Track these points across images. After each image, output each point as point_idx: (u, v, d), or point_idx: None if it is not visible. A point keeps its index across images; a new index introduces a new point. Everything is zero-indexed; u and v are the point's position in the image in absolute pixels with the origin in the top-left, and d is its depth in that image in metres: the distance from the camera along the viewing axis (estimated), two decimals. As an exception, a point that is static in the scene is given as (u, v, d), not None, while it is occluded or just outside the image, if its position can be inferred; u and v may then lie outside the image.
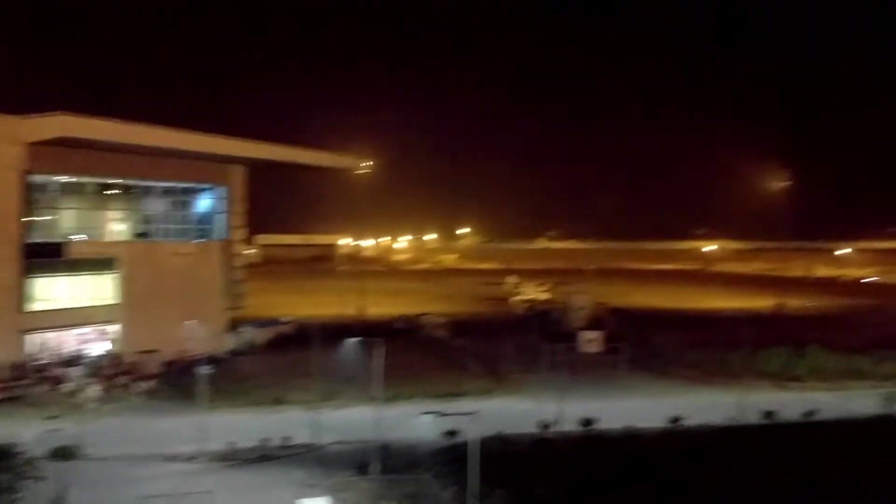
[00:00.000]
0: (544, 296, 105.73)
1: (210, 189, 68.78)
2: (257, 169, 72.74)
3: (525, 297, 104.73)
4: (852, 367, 59.39)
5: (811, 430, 44.67)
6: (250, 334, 69.75)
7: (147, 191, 64.76)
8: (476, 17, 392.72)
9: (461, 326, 75.74)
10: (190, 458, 38.95)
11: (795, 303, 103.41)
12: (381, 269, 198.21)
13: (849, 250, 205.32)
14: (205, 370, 41.55)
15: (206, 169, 66.63)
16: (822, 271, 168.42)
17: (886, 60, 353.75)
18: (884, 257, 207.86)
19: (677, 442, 42.21)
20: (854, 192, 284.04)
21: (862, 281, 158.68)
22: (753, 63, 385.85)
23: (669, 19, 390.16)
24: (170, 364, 57.34)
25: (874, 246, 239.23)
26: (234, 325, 70.29)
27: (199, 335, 50.33)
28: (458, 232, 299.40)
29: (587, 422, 43.68)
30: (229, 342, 67.13)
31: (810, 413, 46.23)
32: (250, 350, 67.75)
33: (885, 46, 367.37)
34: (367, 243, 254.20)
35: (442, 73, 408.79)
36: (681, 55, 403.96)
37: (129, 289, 60.46)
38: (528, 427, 43.57)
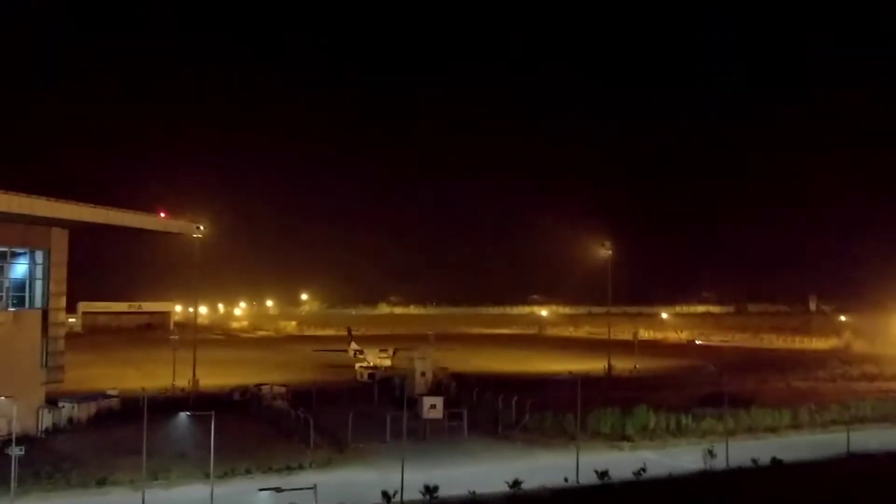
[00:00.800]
0: (386, 362, 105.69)
1: (27, 253, 64.06)
2: (81, 232, 68.75)
3: (367, 364, 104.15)
4: (676, 424, 63.00)
5: (642, 488, 46.80)
6: (70, 410, 64.73)
7: (-46, 255, 59.34)
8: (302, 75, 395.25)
9: (302, 395, 74.21)
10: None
11: (622, 364, 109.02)
12: (217, 336, 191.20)
13: (666, 315, 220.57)
14: (16, 451, 37.95)
15: (22, 231, 62.15)
16: (646, 334, 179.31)
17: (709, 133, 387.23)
18: (699, 320, 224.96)
19: (518, 506, 42.90)
20: (672, 262, 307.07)
21: (696, 342, 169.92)
22: (580, 134, 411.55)
23: (497, 83, 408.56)
24: (-26, 446, 51.91)
25: (690, 310, 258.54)
26: (53, 400, 65.13)
27: (9, 413, 46.11)
28: (300, 298, 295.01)
29: (430, 490, 43.56)
30: (46, 419, 61.98)
31: (640, 472, 48.43)
32: (70, 427, 62.87)
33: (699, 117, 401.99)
34: (203, 310, 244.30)
35: (279, 137, 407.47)
36: (510, 123, 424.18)
37: (-72, 363, 54.61)
38: (370, 498, 42.89)
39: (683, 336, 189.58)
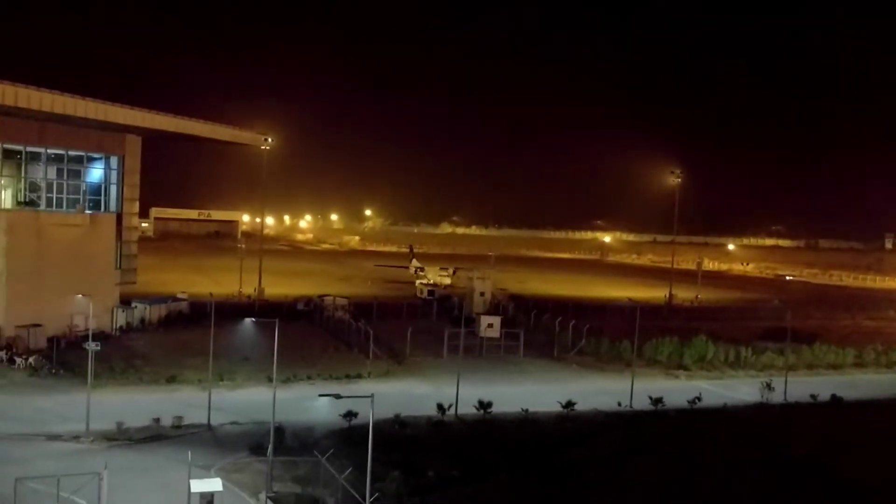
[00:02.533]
0: (446, 280, 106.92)
1: (103, 159, 65.96)
2: (154, 140, 70.26)
3: (427, 281, 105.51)
4: (735, 357, 62.59)
5: (696, 416, 46.94)
6: (143, 311, 67.64)
7: (34, 157, 61.49)
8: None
9: (363, 308, 75.76)
10: (75, 438, 37.54)
11: (685, 294, 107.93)
12: (282, 247, 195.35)
13: (733, 247, 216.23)
14: (93, 346, 40.03)
15: (98, 137, 63.84)
16: (711, 264, 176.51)
17: (784, 60, 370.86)
18: (767, 253, 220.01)
19: (570, 426, 43.60)
20: (742, 192, 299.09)
21: (785, 278, 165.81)
22: (656, 57, 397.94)
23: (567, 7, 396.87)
24: (55, 339, 54.98)
25: (759, 243, 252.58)
26: (126, 301, 68.06)
27: (87, 310, 48.44)
28: (364, 214, 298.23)
29: (483, 405, 44.50)
30: (120, 318, 64.95)
31: (695, 400, 48.49)
32: (142, 327, 65.79)
33: (780, 43, 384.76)
34: (269, 221, 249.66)
35: (351, 54, 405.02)
36: (584, 45, 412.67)
37: (11, 259, 57.41)
38: (425, 410, 44.08)
39: (750, 268, 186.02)
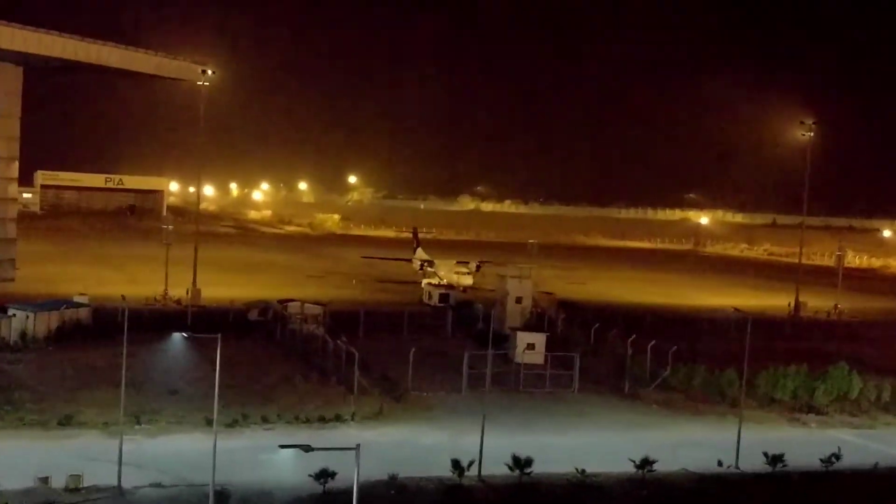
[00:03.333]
0: (466, 280, 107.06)
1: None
2: (41, 73, 70.54)
3: (439, 281, 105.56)
4: (891, 396, 62.17)
5: (832, 483, 46.66)
6: (24, 321, 67.99)
7: None
8: None
9: (344, 320, 75.94)
10: (-75, 505, 37.82)
11: (817, 302, 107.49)
12: (229, 229, 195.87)
13: (889, 233, 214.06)
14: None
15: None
16: (856, 259, 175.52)
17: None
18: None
19: (648, 495, 43.43)
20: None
21: None
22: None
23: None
24: None
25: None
26: (0, 306, 68.37)
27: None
28: (346, 182, 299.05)
29: (521, 463, 44.43)
30: (-9, 332, 65.42)
31: (831, 459, 48.21)
32: (24, 344, 66.13)
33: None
34: (209, 192, 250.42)
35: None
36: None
37: None
38: (435, 468, 44.11)
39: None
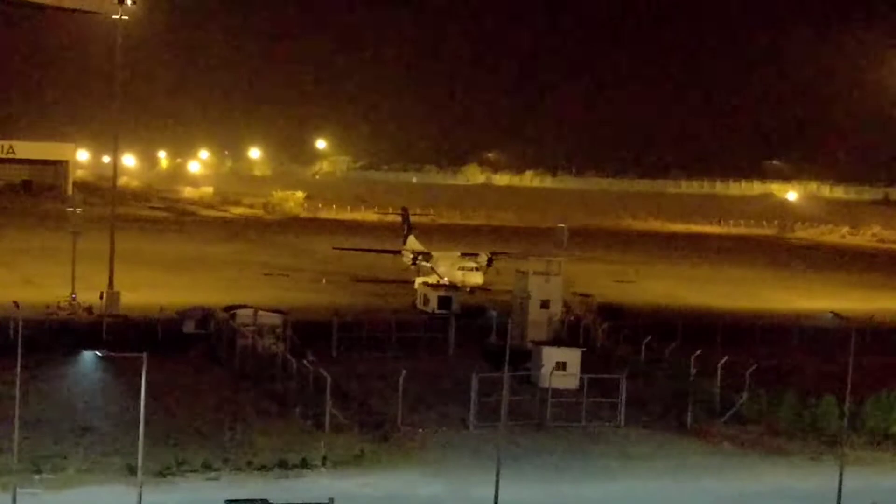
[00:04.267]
0: (475, 278, 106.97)
1: None
2: None
3: (437, 280, 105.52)
4: None
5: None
6: None
7: None
8: None
9: (313, 333, 76.09)
10: None
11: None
12: (157, 212, 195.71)
13: None
14: None
15: None
16: None
17: None
18: None
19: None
20: None
21: None
22: None
23: None
24: None
25: None
26: None
27: None
28: (313, 148, 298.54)
29: (549, 522, 44.50)
30: None
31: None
32: None
33: None
34: (129, 162, 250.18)
35: None
36: None
37: None
38: (434, 531, 44.18)
39: None
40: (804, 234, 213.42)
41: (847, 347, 51.18)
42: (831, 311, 67.15)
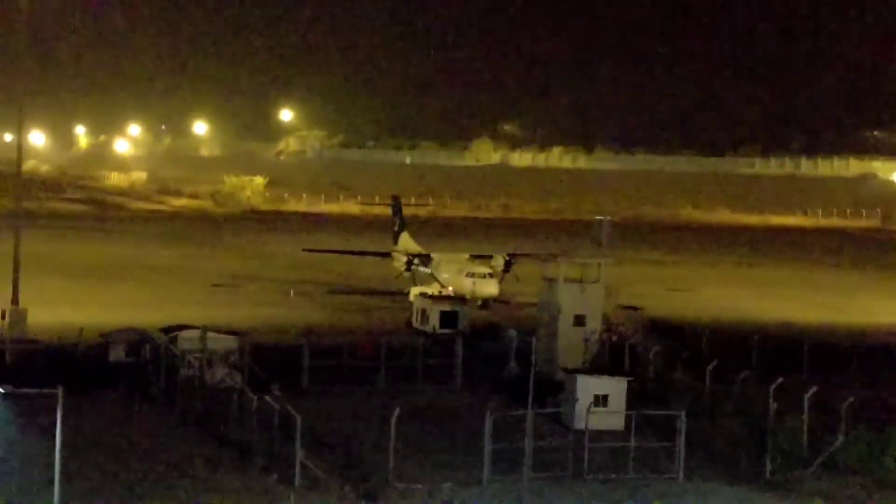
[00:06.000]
0: (489, 288, 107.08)
1: None
2: None
3: (437, 291, 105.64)
4: None
5: None
6: None
7: None
8: None
9: (278, 361, 76.39)
10: None
11: None
12: (75, 206, 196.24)
13: None
14: None
15: None
16: None
17: None
18: None
19: None
20: None
21: None
22: None
23: None
24: None
25: None
26: None
27: None
28: (276, 119, 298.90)
29: None
30: None
31: None
32: None
33: None
34: (37, 141, 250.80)
35: None
36: None
37: None
38: None
39: None
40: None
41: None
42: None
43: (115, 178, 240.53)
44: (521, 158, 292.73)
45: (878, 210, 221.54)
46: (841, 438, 64.52)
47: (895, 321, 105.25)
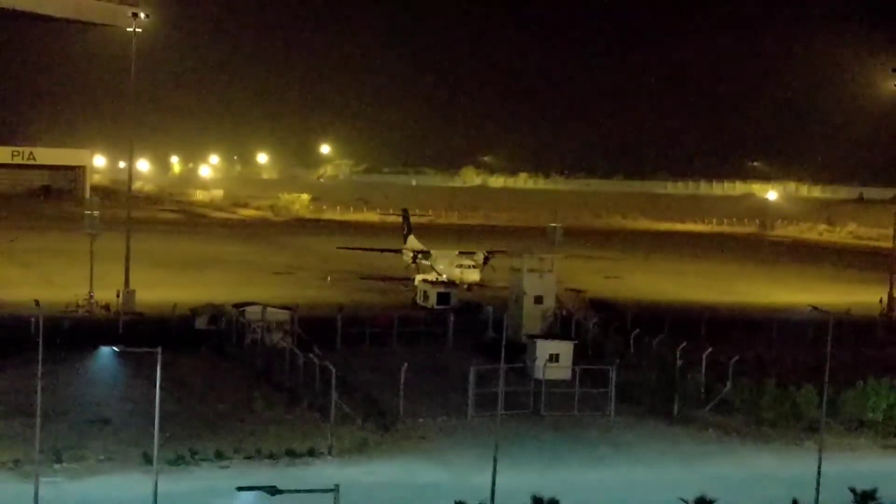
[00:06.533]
0: (472, 275, 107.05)
1: None
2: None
3: (436, 278, 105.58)
4: None
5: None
6: None
7: None
8: None
9: (317, 328, 76.08)
10: None
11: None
12: (171, 214, 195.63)
13: None
14: None
15: None
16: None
17: None
18: None
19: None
20: None
21: None
22: None
23: None
24: None
25: None
26: None
27: None
28: (318, 153, 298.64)
29: (543, 506, 44.40)
30: None
31: (939, 496, 48.07)
32: None
33: None
34: (143, 167, 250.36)
35: None
36: None
37: None
38: (435, 514, 44.17)
39: None
40: (783, 231, 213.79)
41: (825, 339, 51.18)
42: (810, 305, 67.05)
43: (200, 195, 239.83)
44: (496, 181, 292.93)
45: (757, 220, 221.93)
46: (728, 386, 64.61)
47: (769, 301, 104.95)
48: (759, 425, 61.39)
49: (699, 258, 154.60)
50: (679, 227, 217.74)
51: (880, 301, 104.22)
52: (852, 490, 47.44)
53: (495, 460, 45.14)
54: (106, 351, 58.26)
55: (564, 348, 69.09)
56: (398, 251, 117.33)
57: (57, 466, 48.28)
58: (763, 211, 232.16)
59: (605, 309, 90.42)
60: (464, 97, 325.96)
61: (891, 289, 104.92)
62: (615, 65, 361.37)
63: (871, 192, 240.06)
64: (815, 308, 64.21)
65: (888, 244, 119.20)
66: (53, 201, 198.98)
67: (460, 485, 47.01)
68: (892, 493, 47.77)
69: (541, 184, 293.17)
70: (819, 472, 48.61)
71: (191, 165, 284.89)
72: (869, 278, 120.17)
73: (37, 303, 51.84)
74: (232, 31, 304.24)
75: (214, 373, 66.76)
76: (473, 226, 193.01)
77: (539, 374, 64.96)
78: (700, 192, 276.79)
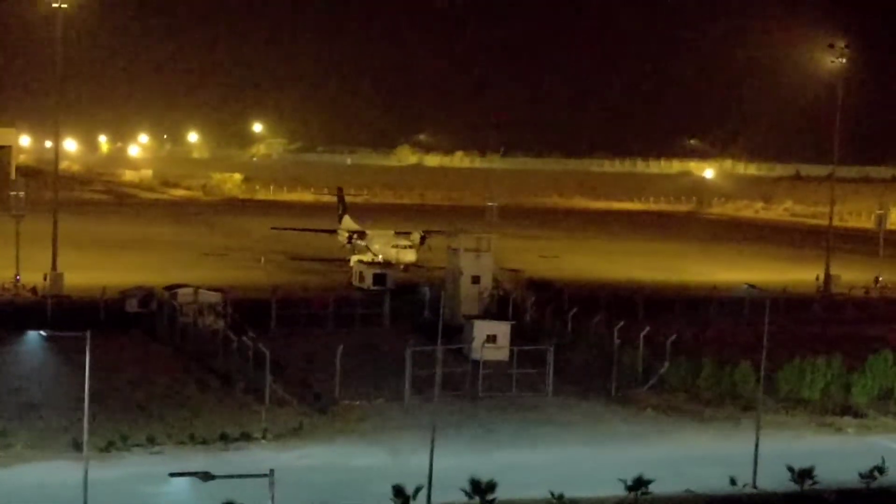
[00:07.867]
0: (408, 256, 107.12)
1: None
2: None
3: (372, 258, 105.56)
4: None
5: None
6: None
7: None
8: None
9: (251, 310, 76.05)
10: None
11: (853, 275, 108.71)
12: (99, 196, 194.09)
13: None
14: None
15: None
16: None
17: None
18: None
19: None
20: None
21: None
22: None
23: None
24: None
25: None
26: None
27: None
28: (250, 131, 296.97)
29: (482, 487, 44.55)
30: None
31: (874, 473, 48.74)
32: None
33: None
34: (70, 147, 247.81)
35: None
36: None
37: None
38: (372, 498, 44.20)
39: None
40: (720, 209, 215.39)
41: (762, 317, 51.65)
42: (747, 283, 67.69)
43: (128, 175, 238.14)
44: (432, 160, 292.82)
45: (694, 198, 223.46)
46: (666, 365, 65.07)
47: (706, 279, 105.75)
48: (697, 404, 61.88)
49: (636, 237, 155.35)
50: (616, 205, 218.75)
51: (817, 279, 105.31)
52: (790, 468, 48.10)
53: (433, 443, 45.25)
54: (33, 335, 57.73)
55: (502, 329, 69.23)
56: (333, 231, 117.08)
57: (-15, 454, 47.85)
58: (700, 189, 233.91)
59: (542, 289, 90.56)
60: (398, 74, 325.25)
61: (827, 267, 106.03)
62: (553, 42, 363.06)
63: (808, 170, 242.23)
64: (751, 286, 64.92)
65: (825, 221, 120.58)
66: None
67: (398, 468, 47.09)
68: (829, 470, 48.46)
69: (477, 162, 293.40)
70: (756, 451, 49.18)
71: (119, 145, 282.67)
72: (806, 256, 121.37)
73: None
74: (164, 7, 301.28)
75: (146, 357, 66.39)
76: (409, 205, 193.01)
77: (477, 356, 65.13)
78: (637, 171, 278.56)
